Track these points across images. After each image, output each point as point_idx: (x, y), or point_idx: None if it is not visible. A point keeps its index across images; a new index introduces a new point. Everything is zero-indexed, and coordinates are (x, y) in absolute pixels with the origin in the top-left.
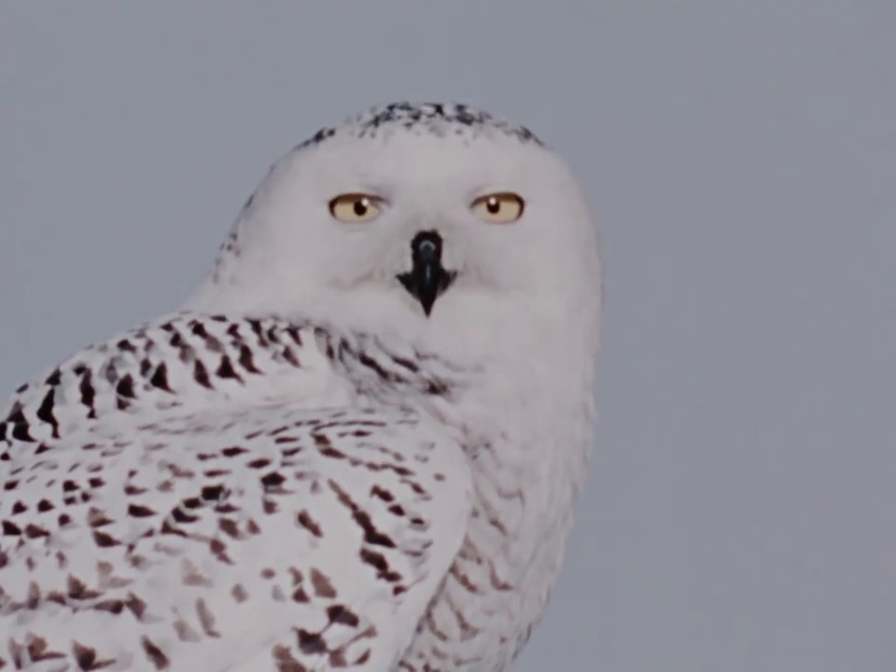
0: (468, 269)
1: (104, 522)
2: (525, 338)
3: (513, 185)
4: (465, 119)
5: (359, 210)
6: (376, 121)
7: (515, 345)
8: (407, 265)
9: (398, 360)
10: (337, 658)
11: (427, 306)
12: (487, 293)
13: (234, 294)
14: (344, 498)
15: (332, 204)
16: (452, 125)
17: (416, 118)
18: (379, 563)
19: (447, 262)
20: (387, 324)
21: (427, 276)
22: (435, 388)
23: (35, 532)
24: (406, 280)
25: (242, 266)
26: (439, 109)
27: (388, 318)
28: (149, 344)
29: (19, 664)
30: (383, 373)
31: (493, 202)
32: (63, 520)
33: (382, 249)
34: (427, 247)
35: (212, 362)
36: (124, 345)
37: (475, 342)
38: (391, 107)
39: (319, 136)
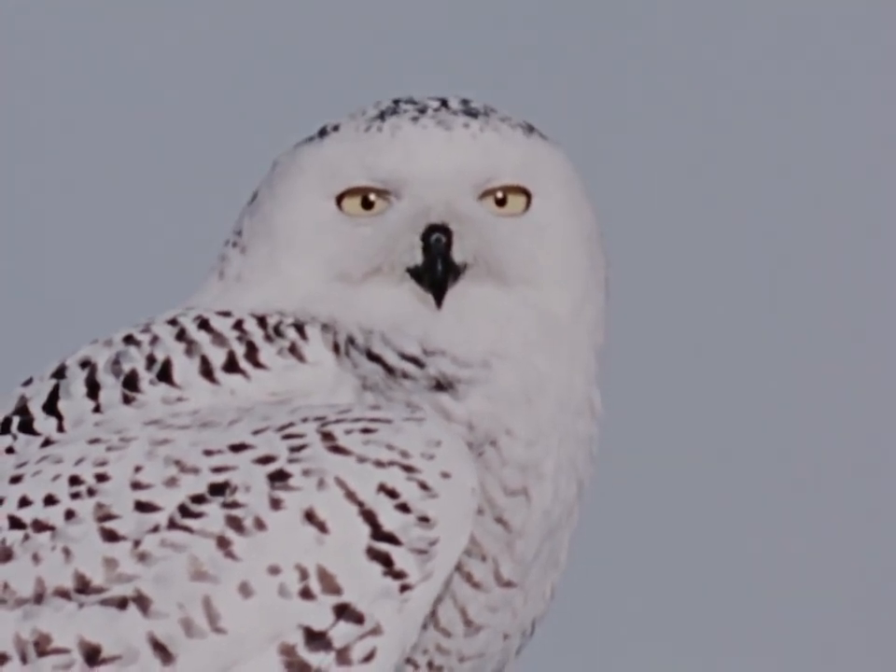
0: (477, 261)
1: (109, 517)
2: (532, 333)
3: (520, 178)
4: (470, 112)
5: (367, 204)
6: (382, 116)
7: (521, 341)
8: (417, 258)
9: (404, 357)
10: (343, 656)
11: (439, 299)
12: (496, 287)
13: (240, 291)
14: (351, 496)
15: (339, 199)
16: (458, 118)
17: (423, 111)
18: (385, 561)
19: (458, 255)
20: (396, 319)
21: (438, 268)
22: (441, 385)
23: (40, 527)
24: (416, 273)
25: (247, 264)
26: (444, 103)
27: (397, 313)
28: (155, 339)
29: (24, 659)
30: (389, 370)
31: (500, 195)
32: (69, 515)
33: (391, 243)
34: (437, 239)
35: (217, 357)
36: (130, 340)
37: (482, 337)
38: (396, 102)
39: (323, 132)
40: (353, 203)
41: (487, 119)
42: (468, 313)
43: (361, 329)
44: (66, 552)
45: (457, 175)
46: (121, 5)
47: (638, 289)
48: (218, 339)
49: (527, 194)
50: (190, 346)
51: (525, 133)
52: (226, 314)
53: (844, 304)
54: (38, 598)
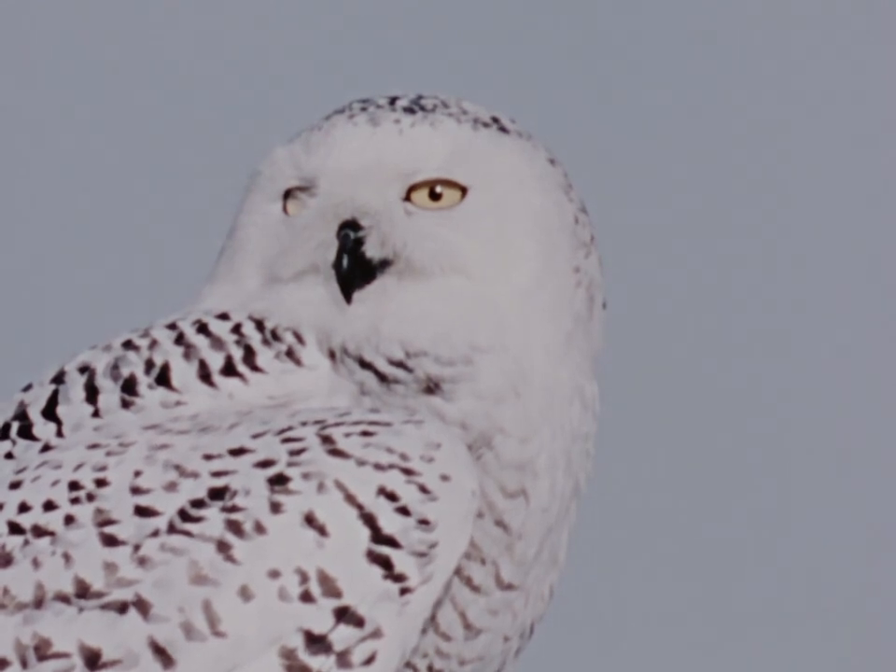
0: (397, 257)
1: (109, 522)
2: (458, 322)
3: (450, 171)
4: (413, 109)
5: (305, 205)
6: (330, 116)
7: (443, 331)
8: (332, 255)
9: (392, 362)
10: (343, 659)
11: (347, 295)
12: (417, 280)
13: (207, 291)
14: (351, 499)
15: (285, 201)
16: (392, 114)
17: (364, 109)
18: (385, 564)
19: (371, 250)
20: (318, 317)
21: (343, 265)
22: (430, 388)
23: (40, 532)
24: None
25: (217, 265)
26: (393, 101)
27: (319, 311)
28: (153, 343)
29: (24, 663)
30: (381, 376)
31: (439, 189)
32: (69, 520)
33: (302, 241)
34: (345, 236)
35: (215, 361)
36: (128, 345)
37: (400, 332)
38: (352, 102)
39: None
40: (294, 204)
41: (427, 115)
42: (382, 308)
43: (290, 327)
44: (66, 556)
45: (372, 170)
46: (127, 7)
47: (645, 289)
48: (217, 343)
49: (461, 187)
50: (189, 350)
51: (475, 127)
52: (224, 317)
53: (841, 303)
54: (38, 603)
